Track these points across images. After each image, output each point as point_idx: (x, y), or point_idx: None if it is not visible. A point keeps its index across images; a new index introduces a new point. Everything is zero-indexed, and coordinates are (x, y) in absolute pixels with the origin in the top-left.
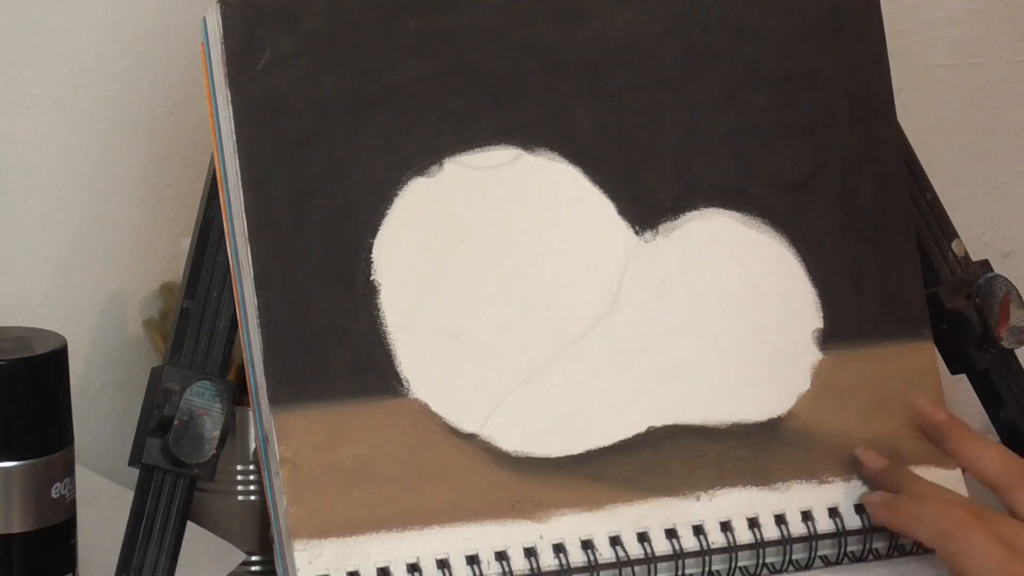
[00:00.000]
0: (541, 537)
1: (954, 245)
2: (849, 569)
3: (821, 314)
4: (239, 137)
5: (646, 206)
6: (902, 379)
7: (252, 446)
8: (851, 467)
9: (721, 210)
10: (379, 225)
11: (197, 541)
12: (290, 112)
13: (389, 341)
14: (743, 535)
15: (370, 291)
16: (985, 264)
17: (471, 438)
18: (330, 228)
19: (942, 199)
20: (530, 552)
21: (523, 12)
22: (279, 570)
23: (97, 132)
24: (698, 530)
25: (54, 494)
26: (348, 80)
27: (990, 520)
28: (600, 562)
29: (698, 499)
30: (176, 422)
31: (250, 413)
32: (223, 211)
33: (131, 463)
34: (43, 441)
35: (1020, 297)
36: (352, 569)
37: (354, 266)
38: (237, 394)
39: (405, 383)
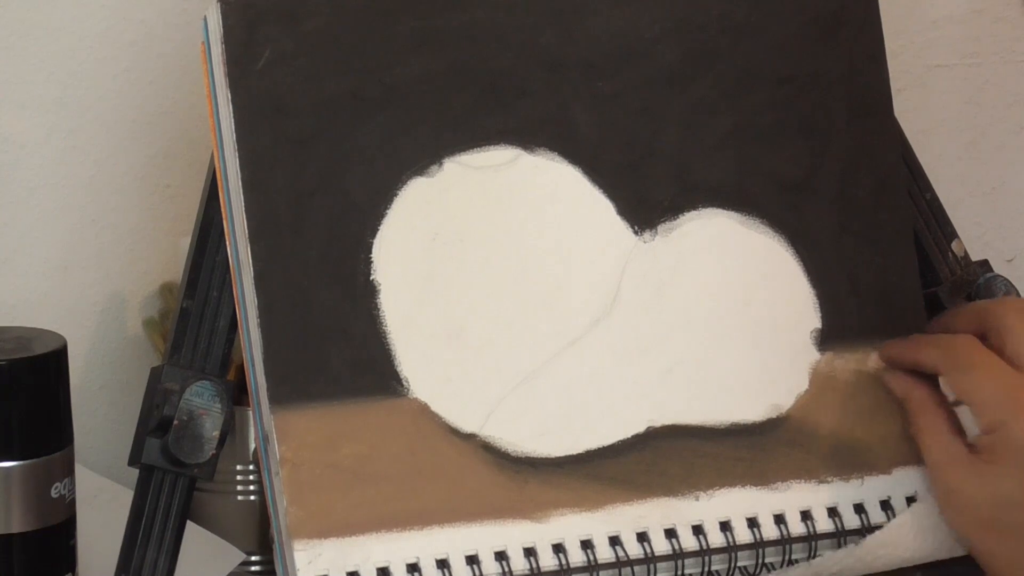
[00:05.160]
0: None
1: (954, 245)
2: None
3: (819, 314)
4: (239, 137)
5: (645, 206)
6: None
7: (252, 446)
8: (850, 467)
9: (720, 210)
10: (379, 225)
11: (197, 541)
12: (290, 112)
13: (389, 341)
14: (742, 535)
15: (370, 291)
16: (985, 264)
17: (471, 438)
18: (330, 228)
19: (942, 199)
20: (530, 552)
21: (523, 12)
22: (279, 570)
23: (97, 132)
24: (697, 530)
25: (54, 494)
26: (348, 80)
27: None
28: (600, 562)
29: (697, 499)
30: (176, 422)
31: (250, 413)
32: (223, 211)
33: (131, 463)
34: (43, 441)
35: (1020, 297)
36: (352, 569)
37: (354, 266)
38: (237, 394)
39: (405, 383)
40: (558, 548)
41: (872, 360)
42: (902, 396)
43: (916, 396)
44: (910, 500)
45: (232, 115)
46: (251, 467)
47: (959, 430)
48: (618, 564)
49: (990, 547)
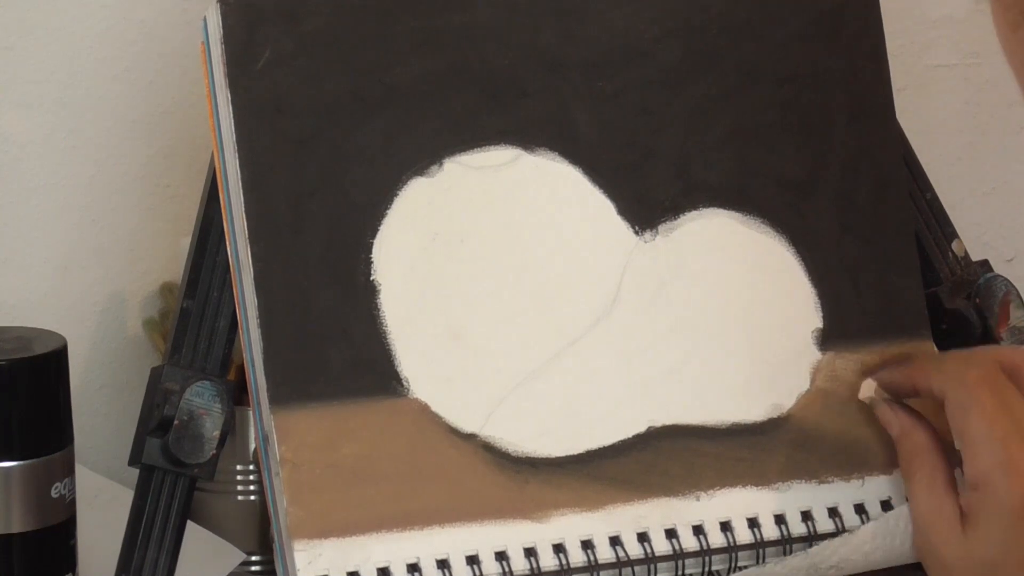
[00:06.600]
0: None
1: (954, 245)
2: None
3: (820, 314)
4: (239, 137)
5: (646, 206)
6: None
7: (252, 446)
8: (851, 467)
9: (720, 210)
10: (379, 225)
11: (197, 541)
12: (290, 112)
13: (389, 341)
14: (743, 535)
15: (370, 291)
16: (985, 264)
17: (471, 438)
18: (330, 228)
19: (942, 199)
20: (530, 552)
21: (523, 12)
22: (279, 570)
23: (97, 132)
24: (698, 530)
25: (54, 494)
26: (348, 80)
27: (1004, 389)
28: (600, 562)
29: (698, 499)
30: (176, 422)
31: (250, 413)
32: (223, 211)
33: (131, 463)
34: (43, 441)
35: (1020, 297)
36: (352, 569)
37: (354, 266)
38: (237, 394)
39: (405, 383)
40: (558, 548)
41: (865, 387)
42: (897, 437)
43: (913, 441)
44: None
45: (232, 115)
46: (251, 467)
47: (954, 485)
48: (618, 564)
49: None
